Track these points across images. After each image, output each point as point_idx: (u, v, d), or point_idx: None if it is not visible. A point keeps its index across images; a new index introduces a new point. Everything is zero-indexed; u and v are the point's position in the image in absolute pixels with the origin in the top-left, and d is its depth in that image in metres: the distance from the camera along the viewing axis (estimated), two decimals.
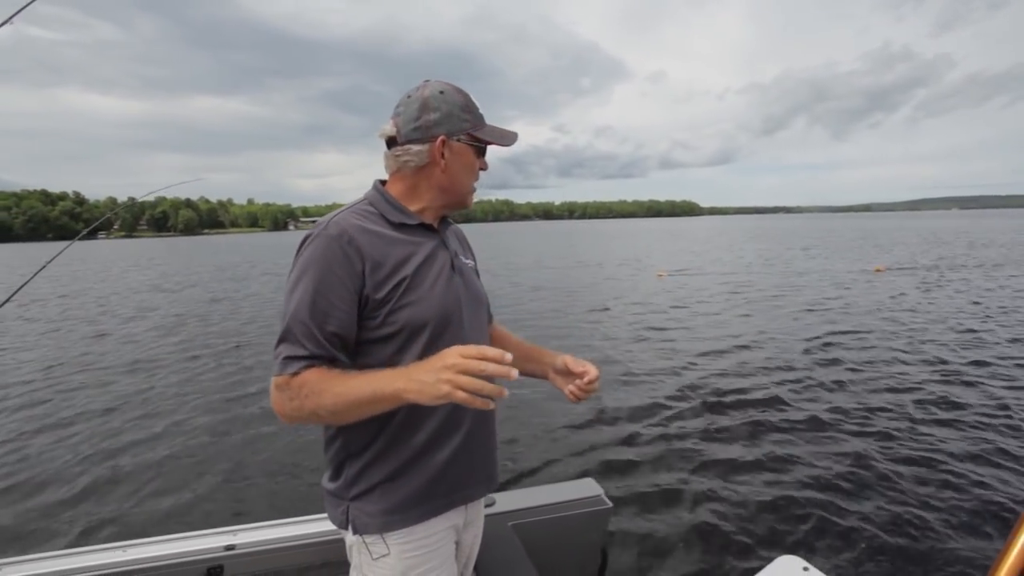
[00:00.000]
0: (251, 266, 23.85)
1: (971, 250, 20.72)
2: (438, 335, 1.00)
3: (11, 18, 1.56)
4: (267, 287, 15.36)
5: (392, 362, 0.97)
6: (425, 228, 1.07)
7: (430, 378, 0.79)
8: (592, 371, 1.14)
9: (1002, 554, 0.54)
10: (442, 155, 1.03)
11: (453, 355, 0.79)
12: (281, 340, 0.93)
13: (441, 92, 1.03)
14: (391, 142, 1.05)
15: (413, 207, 1.07)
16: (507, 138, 1.10)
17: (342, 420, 0.91)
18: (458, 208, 1.12)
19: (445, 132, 1.02)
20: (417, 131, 1.02)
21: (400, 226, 1.03)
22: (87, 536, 2.98)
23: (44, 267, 1.70)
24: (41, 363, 7.04)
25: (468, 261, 1.19)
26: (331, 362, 0.93)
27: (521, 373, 1.02)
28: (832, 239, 32.21)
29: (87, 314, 11.36)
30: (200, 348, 7.64)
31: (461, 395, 0.77)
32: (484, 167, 1.11)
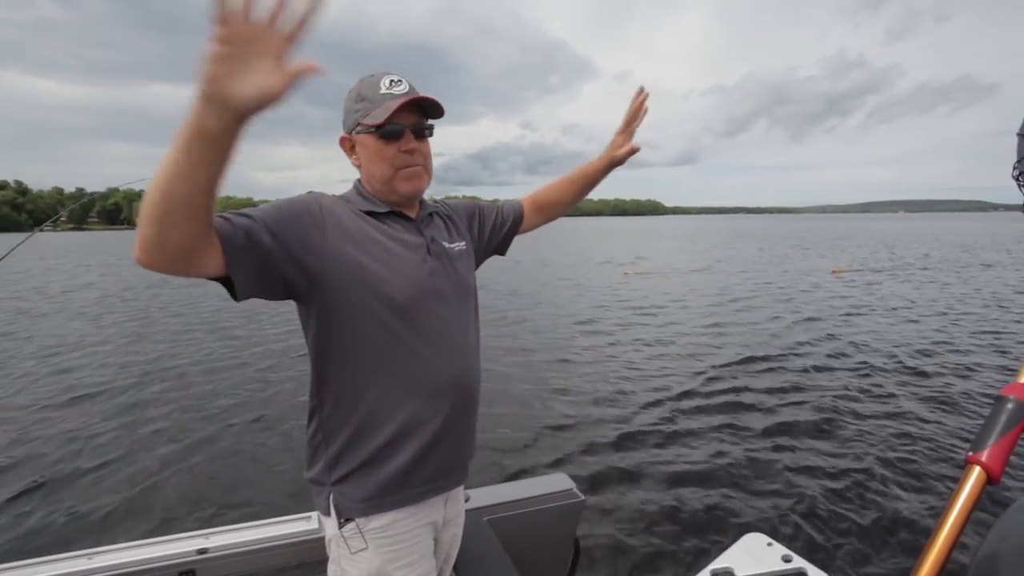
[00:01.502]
0: None
1: (923, 251, 21.93)
2: (404, 318, 1.00)
3: None
4: None
5: (358, 342, 0.99)
6: (396, 215, 1.08)
7: (211, 55, 0.60)
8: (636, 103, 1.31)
9: (927, 545, 0.59)
10: (353, 152, 1.08)
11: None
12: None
13: (349, 91, 1.06)
14: None
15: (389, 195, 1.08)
16: (385, 111, 0.98)
17: (174, 195, 0.67)
18: (395, 198, 1.07)
19: (346, 131, 1.07)
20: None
21: (369, 214, 1.05)
22: (51, 544, 2.86)
23: (6, 256, 1.64)
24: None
25: (454, 244, 1.16)
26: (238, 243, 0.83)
27: (594, 185, 1.41)
28: (795, 240, 33.51)
29: (40, 310, 10.76)
30: (163, 346, 7.35)
31: (224, 34, 0.59)
32: (407, 148, 1.02)
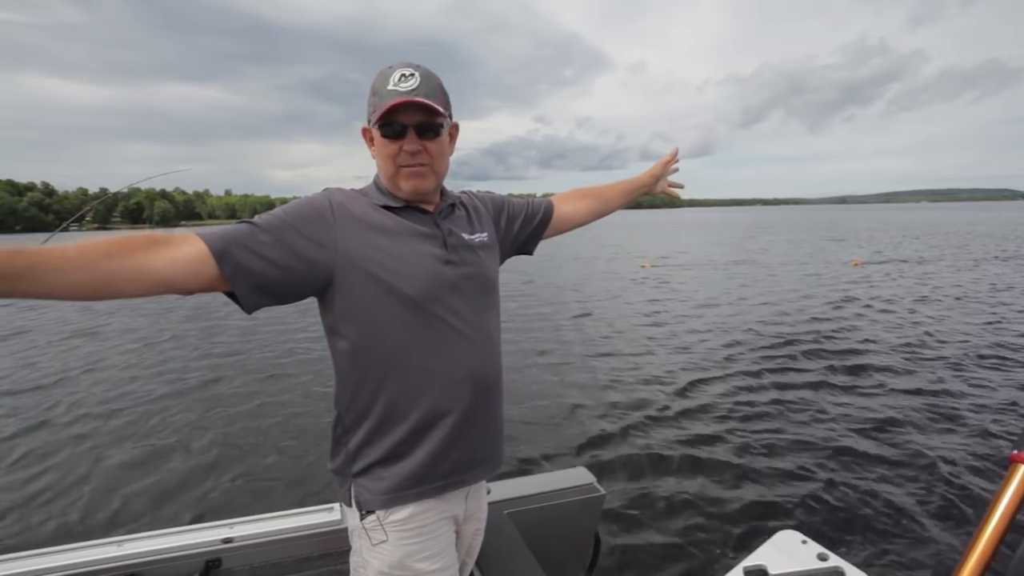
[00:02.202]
0: None
1: (946, 243, 21.35)
2: (419, 312, 1.00)
3: None
4: None
5: (374, 337, 0.99)
6: (414, 210, 1.07)
7: None
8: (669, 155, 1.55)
9: (970, 545, 0.58)
10: (371, 144, 1.07)
11: None
12: (235, 225, 0.90)
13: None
14: None
15: (395, 191, 1.07)
16: (383, 102, 0.96)
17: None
18: (400, 194, 1.05)
19: (366, 122, 1.05)
20: None
21: (385, 208, 1.05)
22: (83, 531, 2.95)
23: None
24: (31, 361, 6.84)
25: (475, 236, 1.14)
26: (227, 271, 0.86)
27: (625, 203, 1.53)
28: (812, 232, 32.84)
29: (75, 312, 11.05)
30: (194, 342, 7.48)
31: None
32: (408, 148, 1.00)
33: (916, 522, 2.76)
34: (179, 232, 0.85)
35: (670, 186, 1.60)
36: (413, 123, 0.99)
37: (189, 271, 0.83)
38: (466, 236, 1.12)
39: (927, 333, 6.63)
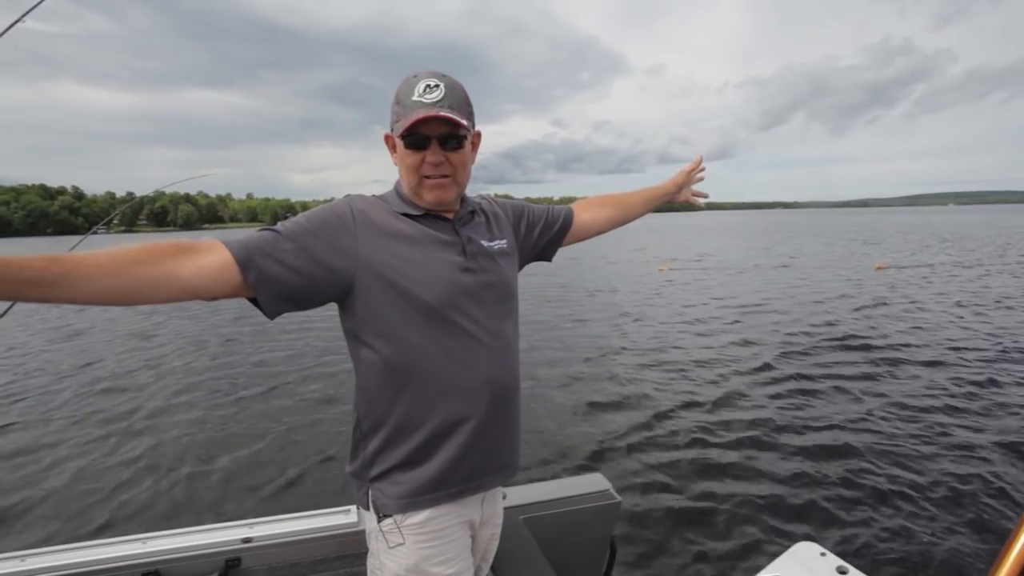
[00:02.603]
0: None
1: (975, 247, 20.73)
2: (437, 321, 1.00)
3: (23, 16, 1.57)
4: None
5: (394, 348, 0.99)
6: (434, 217, 1.07)
7: None
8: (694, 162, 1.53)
9: (1003, 553, 0.56)
10: (394, 151, 1.07)
11: None
12: (258, 232, 0.92)
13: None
14: None
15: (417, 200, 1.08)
16: (408, 117, 0.96)
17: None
18: (422, 203, 1.06)
19: (390, 129, 1.05)
20: None
21: (404, 216, 1.05)
22: (107, 529, 3.03)
23: None
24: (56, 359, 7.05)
25: (494, 243, 1.14)
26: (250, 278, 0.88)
27: (650, 210, 1.52)
28: (851, 234, 32.20)
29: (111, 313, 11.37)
30: (219, 342, 7.62)
31: None
32: (431, 160, 1.00)
33: (942, 538, 2.66)
34: (205, 239, 0.87)
35: (693, 194, 1.58)
36: (436, 135, 0.99)
37: (214, 279, 0.84)
38: (485, 243, 1.12)
39: (964, 340, 6.40)
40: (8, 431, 4.53)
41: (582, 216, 1.38)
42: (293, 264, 0.90)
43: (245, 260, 0.86)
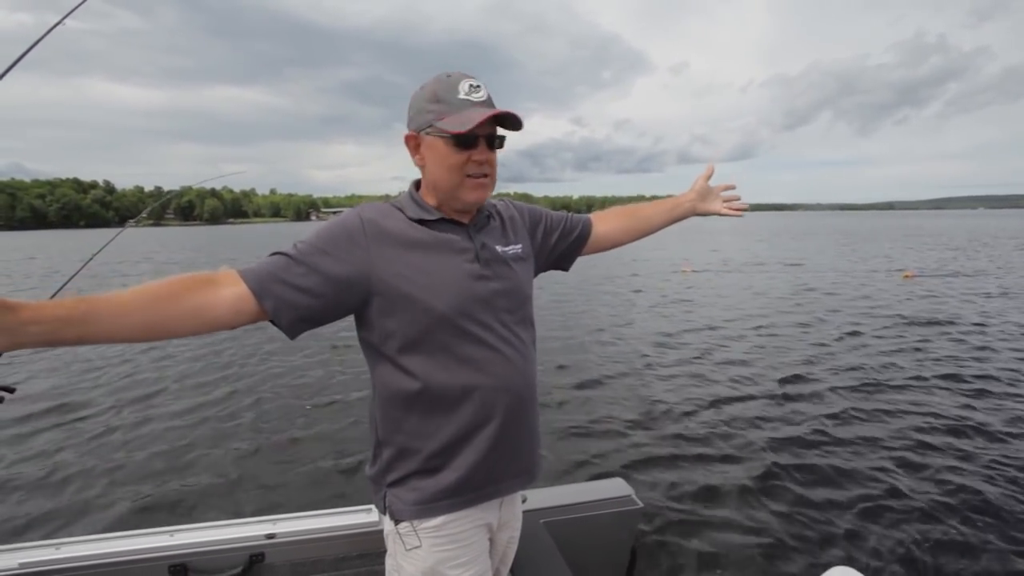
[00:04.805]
0: None
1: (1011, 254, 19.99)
2: (452, 328, 1.00)
3: (65, 18, 1.61)
4: None
5: (408, 354, 1.00)
6: (448, 223, 1.07)
7: None
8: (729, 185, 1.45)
9: None
10: (418, 152, 1.05)
11: None
12: (270, 256, 0.94)
13: (421, 88, 1.04)
14: None
15: (432, 203, 1.07)
16: (467, 122, 0.96)
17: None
18: (457, 204, 1.06)
19: (414, 129, 1.04)
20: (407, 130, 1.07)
21: (419, 221, 1.04)
22: (136, 520, 3.09)
23: (101, 250, 1.77)
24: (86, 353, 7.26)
25: (509, 248, 1.13)
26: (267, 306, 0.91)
27: (671, 223, 1.46)
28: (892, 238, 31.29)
29: None
30: (250, 340, 7.68)
31: None
32: (479, 158, 1.01)
33: (989, 563, 2.51)
34: (222, 270, 0.90)
35: (727, 205, 1.44)
36: (484, 134, 1.00)
37: (234, 310, 0.88)
38: (499, 249, 1.11)
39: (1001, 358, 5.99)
40: (49, 421, 4.68)
41: (600, 227, 1.36)
42: (306, 286, 0.92)
43: (260, 290, 0.89)
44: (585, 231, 1.33)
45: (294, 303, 0.92)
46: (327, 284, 0.94)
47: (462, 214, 1.08)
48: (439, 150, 1.01)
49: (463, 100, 0.98)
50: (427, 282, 0.99)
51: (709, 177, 1.45)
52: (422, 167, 1.07)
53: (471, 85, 0.99)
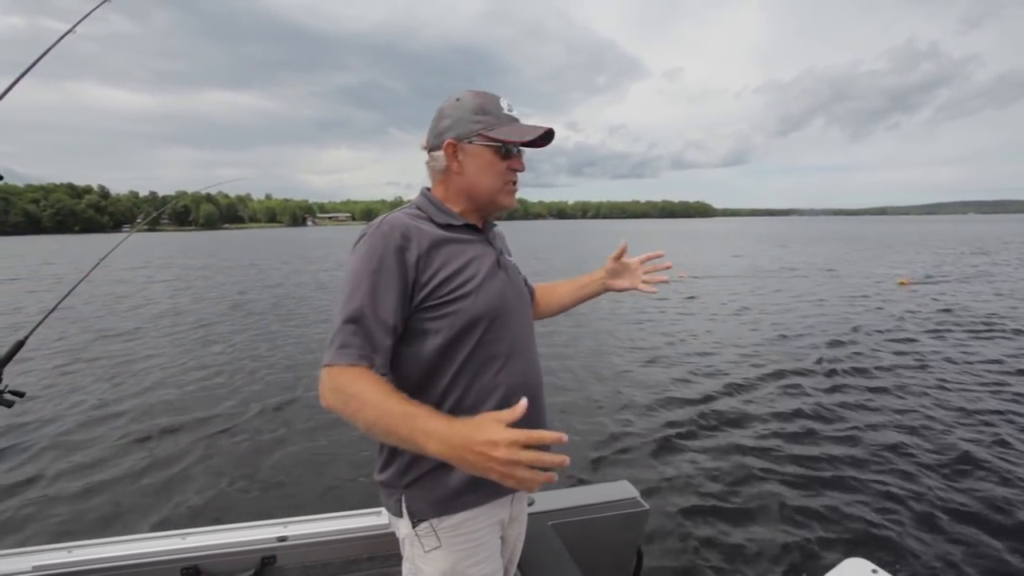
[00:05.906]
0: (307, 261, 23.63)
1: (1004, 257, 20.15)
2: (488, 329, 1.04)
3: (75, 26, 1.63)
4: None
5: (443, 354, 1.02)
6: (470, 228, 1.12)
7: (476, 461, 0.76)
8: (654, 254, 1.39)
9: None
10: (456, 159, 1.09)
11: (503, 442, 0.74)
12: (337, 332, 0.95)
13: (457, 99, 1.10)
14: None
15: (457, 210, 1.12)
16: (526, 134, 1.07)
17: (371, 436, 0.91)
18: (492, 209, 1.14)
19: (454, 136, 1.08)
20: (435, 138, 1.11)
21: (447, 226, 1.09)
22: (148, 524, 3.08)
23: (105, 257, 1.78)
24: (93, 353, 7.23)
25: (511, 257, 1.23)
26: (378, 362, 0.96)
27: (582, 300, 1.43)
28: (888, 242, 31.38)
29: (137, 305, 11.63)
30: (257, 339, 7.68)
31: (511, 482, 0.75)
32: (518, 167, 1.12)
33: (1005, 561, 2.49)
34: (353, 371, 0.92)
35: (647, 273, 1.39)
36: (524, 145, 1.10)
37: (376, 382, 0.92)
38: (508, 257, 1.21)
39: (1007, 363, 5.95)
40: (61, 425, 4.66)
41: (542, 296, 1.45)
42: (386, 322, 0.97)
43: (369, 360, 0.94)
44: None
45: (387, 343, 0.98)
46: (394, 309, 0.98)
47: (480, 221, 1.15)
48: (484, 158, 1.08)
49: (509, 116, 1.09)
50: (469, 285, 1.03)
51: (620, 255, 1.38)
52: (458, 174, 1.11)
53: (508, 103, 1.11)
